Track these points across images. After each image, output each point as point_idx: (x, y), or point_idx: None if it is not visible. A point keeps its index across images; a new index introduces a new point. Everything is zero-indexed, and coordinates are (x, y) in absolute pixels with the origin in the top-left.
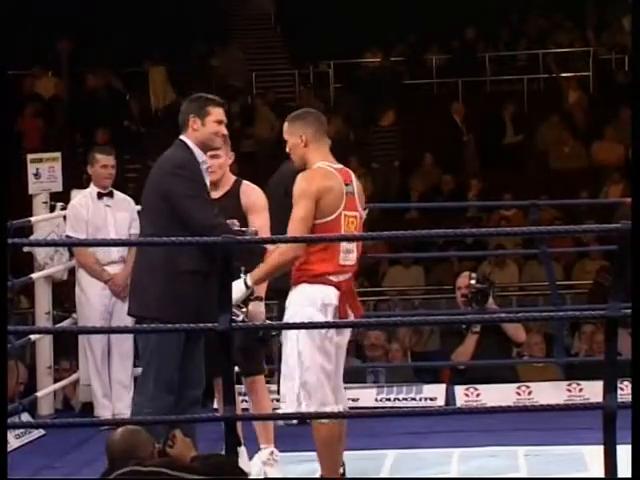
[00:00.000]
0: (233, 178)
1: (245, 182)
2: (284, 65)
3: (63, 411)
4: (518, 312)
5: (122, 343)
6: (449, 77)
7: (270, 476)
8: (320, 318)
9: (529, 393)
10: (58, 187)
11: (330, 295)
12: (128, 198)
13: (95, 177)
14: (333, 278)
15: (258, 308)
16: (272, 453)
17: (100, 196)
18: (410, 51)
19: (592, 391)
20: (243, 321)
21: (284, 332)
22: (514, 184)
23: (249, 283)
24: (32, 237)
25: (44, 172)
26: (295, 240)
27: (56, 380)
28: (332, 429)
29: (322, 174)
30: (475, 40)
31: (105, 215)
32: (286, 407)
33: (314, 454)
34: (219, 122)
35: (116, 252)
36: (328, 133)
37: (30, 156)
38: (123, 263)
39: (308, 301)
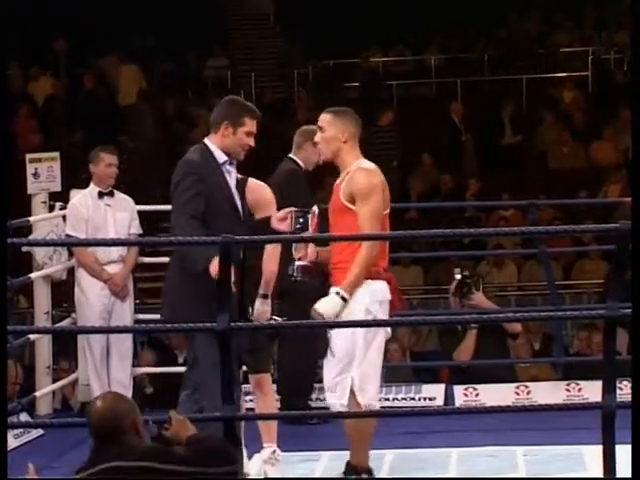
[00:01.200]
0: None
1: (250, 179)
2: (283, 64)
3: (62, 411)
4: (517, 312)
5: (121, 343)
6: (448, 77)
7: (270, 475)
8: (381, 315)
9: (528, 393)
10: (57, 187)
11: (386, 290)
12: (128, 198)
13: (99, 176)
14: (384, 273)
15: (264, 307)
16: (274, 452)
17: (101, 195)
18: (409, 51)
19: (591, 390)
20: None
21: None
22: (513, 184)
23: (346, 296)
24: (31, 237)
25: (43, 172)
26: (287, 240)
27: (55, 380)
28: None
29: (377, 170)
30: (474, 40)
31: (105, 214)
32: (337, 400)
33: (314, 454)
34: (249, 134)
35: (116, 252)
36: None
37: (29, 156)
38: (122, 263)
39: (372, 297)
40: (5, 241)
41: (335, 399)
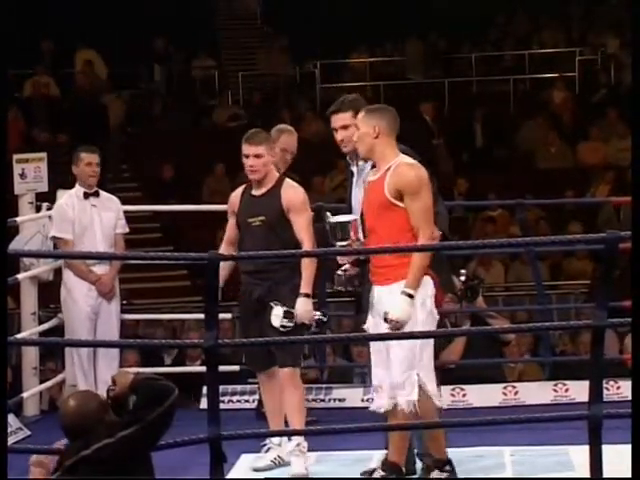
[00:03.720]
0: (277, 175)
1: (287, 181)
2: (270, 65)
3: (49, 412)
4: (504, 311)
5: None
6: (434, 77)
7: (294, 466)
8: (433, 308)
9: (515, 393)
10: (44, 187)
11: (432, 285)
12: (114, 198)
13: (80, 176)
14: (429, 269)
15: (306, 306)
16: (299, 444)
17: (86, 196)
18: (396, 51)
19: (578, 391)
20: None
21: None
22: (500, 185)
23: (412, 292)
24: (18, 237)
25: (30, 172)
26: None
27: (42, 381)
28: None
29: (419, 164)
30: (461, 41)
31: (91, 215)
32: (406, 397)
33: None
34: (334, 130)
35: (103, 252)
36: (315, 134)
37: (16, 156)
38: (110, 263)
39: (426, 291)
40: (5, 242)
41: (404, 397)
